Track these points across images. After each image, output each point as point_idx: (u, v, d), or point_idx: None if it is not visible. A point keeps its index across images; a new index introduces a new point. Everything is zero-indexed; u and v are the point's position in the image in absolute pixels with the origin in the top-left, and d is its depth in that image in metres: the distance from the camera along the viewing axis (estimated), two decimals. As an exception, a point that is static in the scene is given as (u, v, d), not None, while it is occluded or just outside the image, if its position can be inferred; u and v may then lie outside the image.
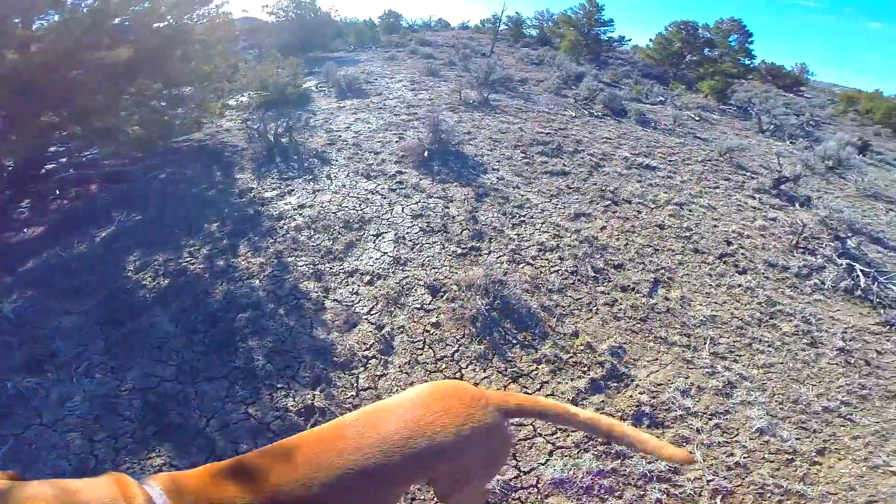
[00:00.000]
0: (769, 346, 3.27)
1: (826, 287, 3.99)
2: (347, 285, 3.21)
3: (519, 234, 3.88)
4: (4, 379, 2.34)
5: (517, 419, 2.36)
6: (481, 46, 16.27)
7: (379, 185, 4.37)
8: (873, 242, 4.95)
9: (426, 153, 4.72)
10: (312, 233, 3.69)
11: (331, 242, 3.60)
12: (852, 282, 4.04)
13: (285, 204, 4.05)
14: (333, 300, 3.07)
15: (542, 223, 4.06)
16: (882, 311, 3.80)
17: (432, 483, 1.51)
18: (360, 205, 4.07)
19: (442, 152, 4.89)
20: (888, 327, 3.66)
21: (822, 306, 3.77)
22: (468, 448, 1.34)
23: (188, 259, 3.34)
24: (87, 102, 3.67)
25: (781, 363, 3.16)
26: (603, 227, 4.15)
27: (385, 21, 21.56)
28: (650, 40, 16.36)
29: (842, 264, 4.23)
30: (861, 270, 4.11)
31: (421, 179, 4.43)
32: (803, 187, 5.83)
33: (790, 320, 3.52)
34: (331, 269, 3.35)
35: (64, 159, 4.73)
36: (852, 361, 3.27)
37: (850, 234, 4.69)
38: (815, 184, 6.37)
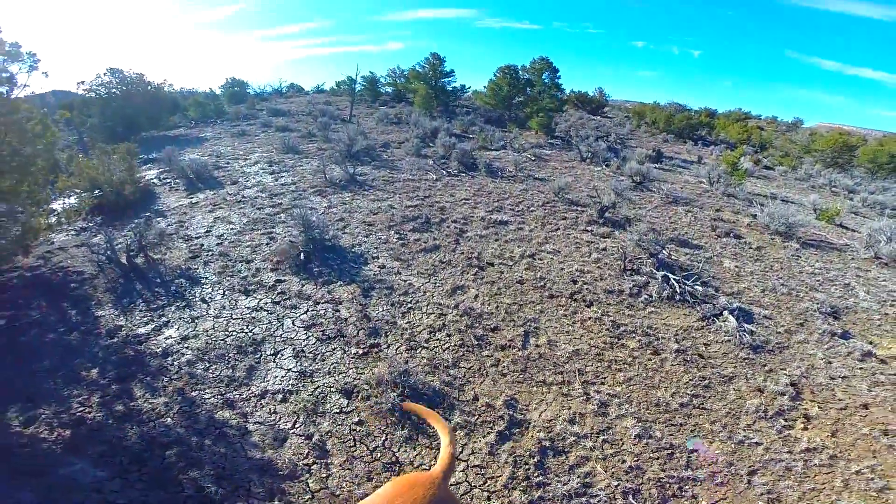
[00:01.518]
0: (623, 363, 4.02)
1: (654, 299, 4.99)
2: (263, 406, 3.25)
3: (409, 322, 4.18)
4: None
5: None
6: (340, 111, 16.65)
7: (261, 300, 4.31)
8: (681, 246, 6.30)
9: (302, 255, 4.78)
10: (208, 364, 3.58)
11: (231, 371, 3.55)
12: (671, 289, 5.10)
13: (166, 339, 3.82)
14: (255, 423, 3.14)
15: (427, 305, 4.42)
16: (698, 308, 4.88)
17: None
18: (247, 326, 3.98)
19: (319, 249, 5.00)
20: (705, 321, 4.72)
21: (656, 317, 4.72)
22: None
23: (80, 408, 3.16)
24: None
25: (637, 375, 3.92)
26: (476, 296, 4.64)
27: (228, 90, 20.53)
28: (484, 87, 18.44)
29: (659, 277, 5.32)
30: (674, 279, 5.23)
31: (303, 286, 4.48)
32: (622, 209, 7.17)
33: (634, 336, 4.36)
34: (240, 395, 3.34)
35: None
36: (689, 359, 4.17)
37: (660, 249, 5.92)
38: (630, 198, 7.84)
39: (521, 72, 18.14)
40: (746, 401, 3.77)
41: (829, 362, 4.29)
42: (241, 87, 21.69)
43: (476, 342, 4.02)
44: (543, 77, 18.14)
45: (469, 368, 3.75)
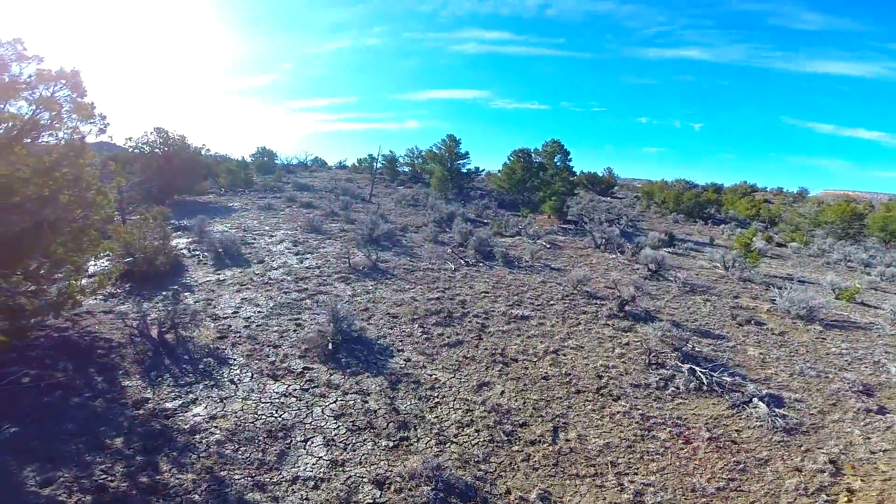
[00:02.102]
0: (656, 453, 4.03)
1: (681, 391, 5.03)
2: (294, 492, 3.26)
3: (438, 417, 4.25)
4: None
5: None
6: (360, 189, 17.68)
7: (289, 385, 4.44)
8: (704, 336, 6.39)
9: (330, 345, 4.98)
10: (237, 446, 3.61)
11: (261, 454, 3.57)
12: (697, 381, 5.11)
13: (193, 416, 3.88)
14: None
15: (454, 400, 4.51)
16: (726, 397, 4.88)
17: None
18: (276, 410, 4.07)
19: (346, 340, 5.20)
20: (735, 408, 4.72)
21: (684, 408, 4.75)
22: None
23: (103, 476, 3.16)
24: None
25: (670, 464, 3.92)
26: (502, 392, 4.73)
27: (258, 160, 21.95)
28: (499, 170, 19.61)
29: (685, 370, 5.36)
30: (700, 371, 5.26)
31: (331, 375, 4.63)
32: (641, 301, 7.36)
33: (664, 427, 4.38)
34: (271, 479, 3.35)
35: None
36: (722, 445, 4.17)
37: (684, 342, 6.03)
38: (648, 290, 8.05)
39: (533, 155, 19.25)
40: (785, 481, 3.76)
41: (868, 437, 4.30)
42: (270, 157, 23.11)
43: (505, 437, 4.08)
44: (555, 160, 19.19)
45: (500, 463, 3.79)
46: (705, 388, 5.06)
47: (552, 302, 7.11)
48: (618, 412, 4.58)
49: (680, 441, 4.25)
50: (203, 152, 14.74)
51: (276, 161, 23.71)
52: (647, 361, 5.57)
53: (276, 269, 7.36)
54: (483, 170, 21.93)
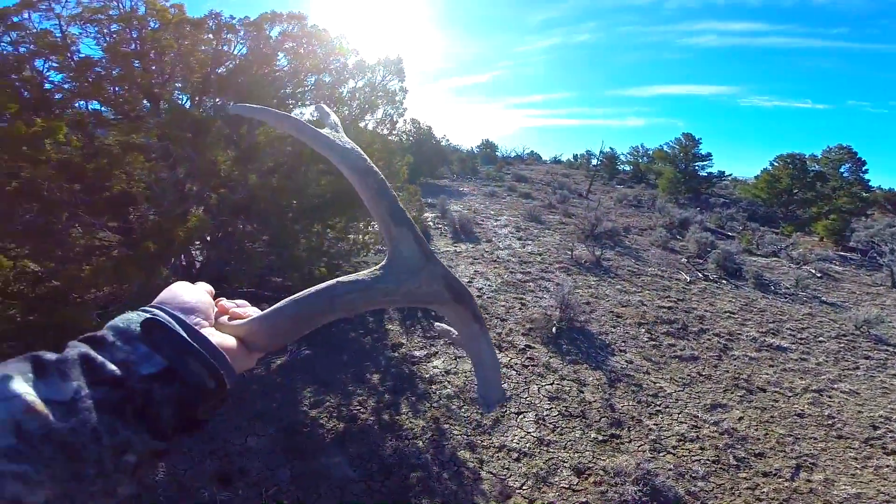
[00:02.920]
0: None
1: None
2: (498, 459, 3.61)
3: (657, 424, 4.10)
4: (201, 487, 2.93)
5: None
6: (577, 185, 17.63)
7: (511, 358, 4.92)
8: None
9: (554, 330, 5.27)
10: (462, 403, 4.23)
11: (479, 416, 4.11)
12: None
13: (433, 367, 4.64)
14: (488, 472, 3.48)
15: (679, 413, 4.26)
16: None
17: None
18: (497, 379, 4.62)
19: (568, 329, 5.42)
20: None
21: None
22: None
23: (358, 408, 3.91)
24: (287, 233, 4.65)
25: None
26: (741, 418, 4.24)
27: (483, 151, 24.38)
28: (755, 177, 16.55)
29: None
30: None
31: (550, 358, 4.93)
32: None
33: None
34: (481, 442, 3.79)
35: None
36: None
37: None
38: None
39: (808, 162, 15.66)
40: None
41: None
42: (492, 149, 25.28)
43: (734, 462, 3.70)
44: (841, 170, 15.21)
45: (720, 485, 3.47)
46: None
47: (821, 338, 5.85)
48: (886, 466, 3.80)
49: None
50: (443, 143, 17.18)
51: (496, 153, 25.61)
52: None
53: (503, 250, 8.09)
54: (729, 174, 18.85)
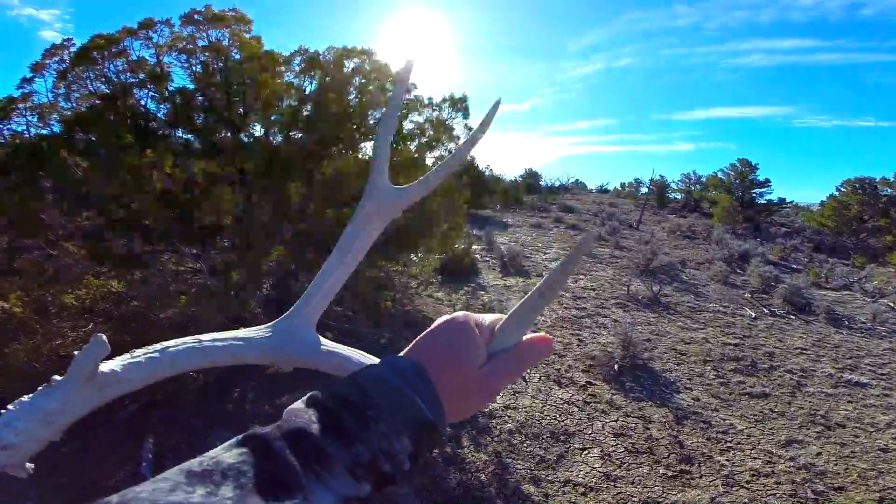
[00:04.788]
0: None
1: None
2: (564, 494, 3.76)
3: (729, 460, 4.18)
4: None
5: None
6: (626, 214, 17.65)
7: (572, 395, 5.10)
8: None
9: (616, 366, 5.42)
10: (524, 438, 4.45)
11: (542, 451, 4.30)
12: None
13: (493, 402, 4.95)
14: None
15: (751, 449, 4.32)
16: None
17: None
18: (559, 415, 4.79)
19: (630, 366, 5.56)
20: None
21: None
22: None
23: None
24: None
25: None
26: (819, 454, 4.28)
27: (525, 181, 24.70)
28: (820, 203, 16.08)
29: None
30: None
31: (613, 395, 5.08)
32: None
33: None
34: (546, 476, 3.96)
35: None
36: None
37: None
38: None
39: (879, 186, 15.06)
40: None
41: None
42: (535, 178, 25.60)
43: (813, 496, 3.76)
44: (919, 197, 14.57)
45: None
46: None
47: (905, 377, 5.71)
48: None
49: None
50: (487, 173, 17.67)
51: (540, 182, 25.90)
52: None
53: (555, 285, 8.31)
54: (790, 201, 18.34)
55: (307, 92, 4.99)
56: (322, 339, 0.81)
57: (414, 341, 0.55)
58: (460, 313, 0.57)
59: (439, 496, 3.64)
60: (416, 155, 5.53)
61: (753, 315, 7.35)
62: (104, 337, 0.62)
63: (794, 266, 11.22)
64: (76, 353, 0.61)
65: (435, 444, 0.48)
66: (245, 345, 0.73)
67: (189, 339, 0.70)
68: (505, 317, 0.57)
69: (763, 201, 17.25)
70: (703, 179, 20.57)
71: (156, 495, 0.33)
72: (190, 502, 0.33)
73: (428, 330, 0.55)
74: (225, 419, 4.32)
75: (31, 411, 0.59)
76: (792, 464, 4.16)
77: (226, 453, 0.38)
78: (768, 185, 17.45)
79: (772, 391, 5.30)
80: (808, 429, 4.68)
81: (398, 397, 0.45)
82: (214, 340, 0.71)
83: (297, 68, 4.83)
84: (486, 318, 0.58)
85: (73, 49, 4.16)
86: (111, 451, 3.79)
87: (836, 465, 4.19)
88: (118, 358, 0.66)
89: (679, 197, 21.60)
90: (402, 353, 0.54)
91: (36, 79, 4.22)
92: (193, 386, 4.32)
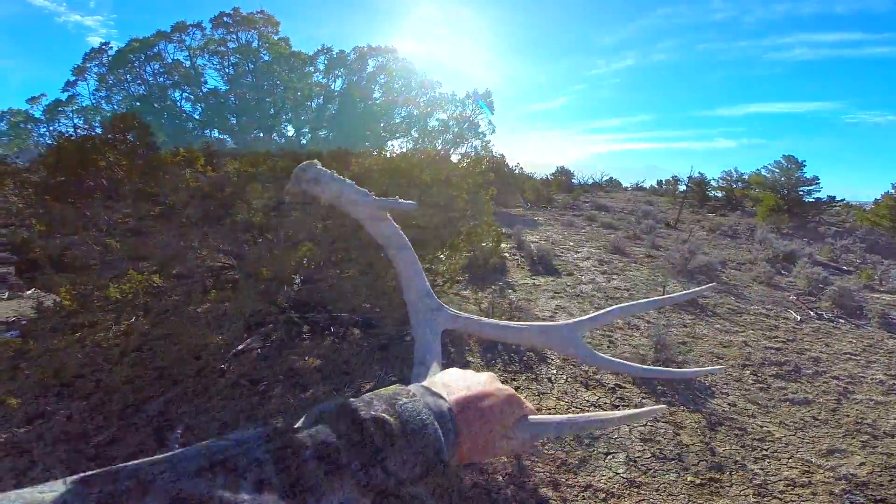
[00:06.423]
0: None
1: None
2: (584, 499, 3.70)
3: (763, 469, 4.07)
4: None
5: None
6: (662, 213, 17.22)
7: (600, 397, 5.06)
8: None
9: (648, 368, 5.35)
10: (545, 440, 4.44)
11: (564, 455, 4.27)
12: None
13: None
14: None
15: (789, 458, 4.19)
16: None
17: None
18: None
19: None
20: None
21: None
22: None
23: None
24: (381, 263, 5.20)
25: None
26: (862, 464, 4.11)
27: (557, 178, 24.41)
28: (875, 201, 15.27)
29: None
30: None
31: (643, 399, 5.01)
32: None
33: None
34: (566, 480, 3.91)
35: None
36: None
37: None
38: None
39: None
40: None
41: None
42: (568, 175, 25.27)
43: None
44: None
45: None
46: None
47: (967, 387, 5.38)
48: None
49: None
50: (517, 171, 17.63)
51: (572, 180, 25.54)
52: None
53: (586, 285, 8.23)
54: (840, 199, 17.43)
55: (333, 89, 5.17)
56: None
57: (473, 382, 0.68)
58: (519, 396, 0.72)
59: (455, 497, 3.63)
60: (441, 152, 5.62)
61: (799, 318, 7.08)
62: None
63: (844, 267, 10.70)
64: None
65: (437, 477, 0.61)
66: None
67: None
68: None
69: (811, 199, 16.52)
70: (746, 177, 19.88)
71: (180, 482, 0.35)
72: (212, 494, 0.35)
73: (487, 387, 0.68)
74: (252, 412, 4.51)
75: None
76: (832, 474, 4.03)
77: (253, 444, 0.41)
78: (816, 183, 16.71)
79: (815, 398, 5.13)
80: (853, 437, 4.51)
81: (430, 441, 0.51)
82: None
83: (321, 67, 4.99)
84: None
85: (110, 53, 4.45)
86: (140, 443, 4.02)
87: (880, 475, 4.03)
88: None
89: (720, 195, 20.91)
90: (450, 385, 0.66)
91: (78, 82, 4.54)
92: (223, 379, 4.54)
